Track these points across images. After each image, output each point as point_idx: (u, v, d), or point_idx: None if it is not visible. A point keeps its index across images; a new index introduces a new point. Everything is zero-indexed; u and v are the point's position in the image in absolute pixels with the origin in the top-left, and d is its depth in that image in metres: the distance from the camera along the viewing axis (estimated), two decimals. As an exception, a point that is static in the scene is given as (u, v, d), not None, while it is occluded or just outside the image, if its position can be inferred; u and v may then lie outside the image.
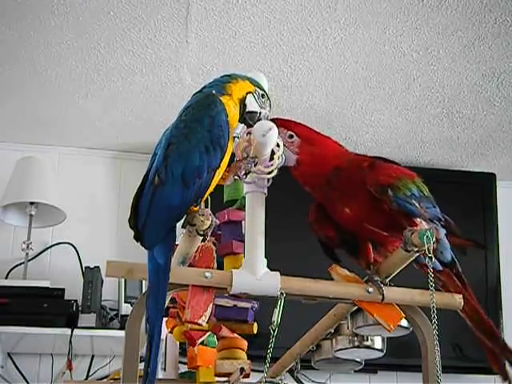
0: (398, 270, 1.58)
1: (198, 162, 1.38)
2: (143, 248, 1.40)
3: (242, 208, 1.63)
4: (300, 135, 1.56)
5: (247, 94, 1.49)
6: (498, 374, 1.65)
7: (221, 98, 1.45)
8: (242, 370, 1.75)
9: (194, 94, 1.51)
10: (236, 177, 1.49)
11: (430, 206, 1.58)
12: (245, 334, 1.84)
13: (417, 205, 1.53)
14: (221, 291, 1.47)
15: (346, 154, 1.62)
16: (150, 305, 1.34)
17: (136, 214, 1.39)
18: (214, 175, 1.40)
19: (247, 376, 1.78)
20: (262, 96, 1.51)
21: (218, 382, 1.82)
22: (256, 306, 1.76)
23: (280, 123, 1.53)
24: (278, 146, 1.48)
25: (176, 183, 1.37)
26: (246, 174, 1.48)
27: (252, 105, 1.50)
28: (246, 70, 1.71)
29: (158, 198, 1.37)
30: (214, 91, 1.46)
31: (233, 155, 1.47)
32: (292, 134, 1.56)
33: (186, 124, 1.42)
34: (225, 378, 1.79)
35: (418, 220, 1.53)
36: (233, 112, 1.46)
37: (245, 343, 1.85)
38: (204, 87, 1.51)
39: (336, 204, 1.58)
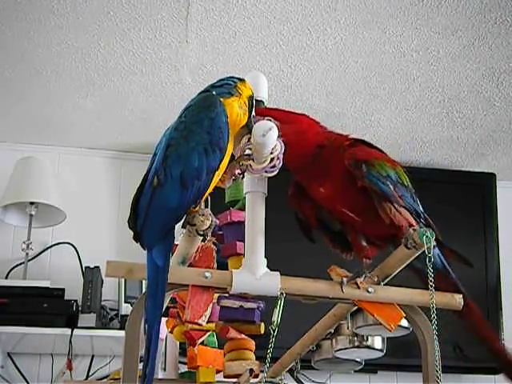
0: (398, 270, 1.58)
1: (196, 163, 1.37)
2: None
3: (244, 208, 1.63)
4: (277, 118, 1.52)
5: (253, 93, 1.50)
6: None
7: (228, 100, 1.44)
8: (251, 371, 1.74)
9: (200, 93, 1.49)
10: (233, 177, 1.49)
11: (407, 195, 1.54)
12: (251, 335, 1.83)
13: (391, 187, 1.50)
14: (221, 291, 1.47)
15: (326, 133, 1.60)
16: (148, 306, 1.34)
17: (135, 214, 1.39)
18: (213, 177, 1.40)
19: (256, 376, 1.76)
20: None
21: (226, 383, 1.81)
22: (262, 306, 1.75)
23: (256, 112, 1.51)
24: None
25: (174, 185, 1.36)
26: (242, 174, 1.48)
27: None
28: (245, 70, 1.71)
29: (156, 199, 1.37)
30: (214, 92, 1.46)
31: (233, 156, 1.47)
32: (269, 119, 1.51)
33: (185, 125, 1.41)
34: (234, 380, 1.77)
35: (394, 205, 1.49)
36: (237, 112, 1.45)
37: (253, 344, 1.83)
38: (213, 85, 1.49)
39: (313, 183, 1.56)
